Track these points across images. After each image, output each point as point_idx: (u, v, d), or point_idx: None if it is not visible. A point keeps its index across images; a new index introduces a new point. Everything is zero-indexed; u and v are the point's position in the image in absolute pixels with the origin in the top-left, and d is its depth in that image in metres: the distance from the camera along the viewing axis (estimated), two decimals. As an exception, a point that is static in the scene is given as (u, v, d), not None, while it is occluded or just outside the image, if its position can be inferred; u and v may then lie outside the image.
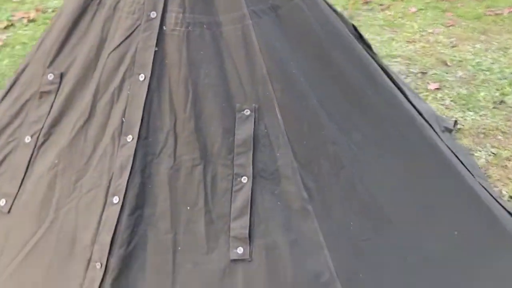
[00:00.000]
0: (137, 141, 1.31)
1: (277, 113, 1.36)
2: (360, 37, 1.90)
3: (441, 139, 1.68)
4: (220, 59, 1.36)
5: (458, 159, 1.67)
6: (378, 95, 1.50)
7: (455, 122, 2.53)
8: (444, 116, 2.58)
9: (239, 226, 1.29)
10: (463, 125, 2.58)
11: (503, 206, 1.69)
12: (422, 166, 1.50)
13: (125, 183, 1.28)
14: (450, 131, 2.39)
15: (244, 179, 1.32)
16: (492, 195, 1.68)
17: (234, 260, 1.27)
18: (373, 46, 3.65)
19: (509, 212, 1.70)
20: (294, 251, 1.30)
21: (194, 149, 1.32)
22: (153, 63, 1.33)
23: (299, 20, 1.43)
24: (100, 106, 1.35)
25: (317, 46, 1.44)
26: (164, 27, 1.34)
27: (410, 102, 1.69)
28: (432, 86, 2.99)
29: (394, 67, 3.23)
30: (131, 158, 1.30)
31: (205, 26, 1.35)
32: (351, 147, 1.43)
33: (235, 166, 1.32)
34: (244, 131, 1.34)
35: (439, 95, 2.90)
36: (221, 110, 1.34)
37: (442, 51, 3.54)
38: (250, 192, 1.31)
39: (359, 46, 1.51)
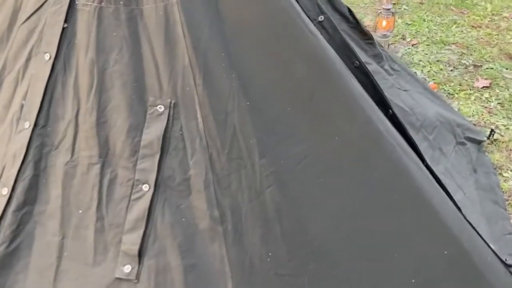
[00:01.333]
0: (34, 129, 1.16)
1: (197, 112, 1.14)
2: (356, 24, 1.59)
3: (425, 162, 1.36)
4: (136, 43, 1.15)
5: (444, 188, 1.34)
6: (334, 100, 1.21)
7: (492, 131, 2.12)
8: (473, 125, 2.16)
9: (131, 241, 1.12)
10: (502, 135, 2.16)
11: (497, 256, 1.35)
12: (379, 194, 1.22)
13: (15, 175, 1.15)
14: (478, 142, 2.00)
15: (146, 187, 1.13)
16: (482, 238, 1.34)
17: (119, 279, 1.11)
18: (426, 30, 3.22)
19: (504, 263, 1.37)
20: (189, 278, 1.11)
21: (93, 145, 1.14)
22: (60, 41, 1.16)
23: (240, 3, 1.17)
24: (6, 85, 1.22)
25: (259, 36, 1.18)
26: (76, 0, 1.16)
27: (392, 111, 1.38)
28: (481, 83, 2.55)
29: (443, 57, 2.80)
30: (25, 147, 1.15)
31: (121, 2, 1.14)
32: (287, 162, 1.18)
33: (137, 170, 1.13)
34: (153, 131, 1.14)
35: (486, 95, 2.46)
36: (130, 103, 1.15)
37: (511, 41, 3.01)
38: (149, 203, 1.12)
39: (318, 39, 1.22)
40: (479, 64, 2.74)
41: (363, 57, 1.58)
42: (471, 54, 2.84)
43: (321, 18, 1.40)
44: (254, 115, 1.17)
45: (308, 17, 1.39)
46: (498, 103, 2.40)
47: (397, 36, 3.06)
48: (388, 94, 1.56)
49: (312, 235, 1.17)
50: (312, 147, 1.20)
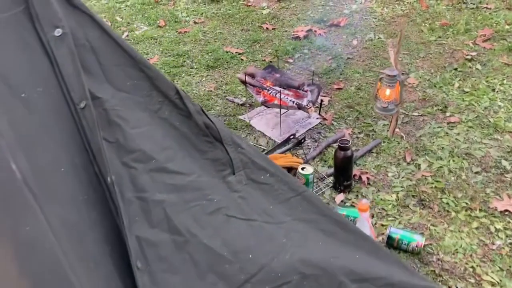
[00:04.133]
0: None
1: None
2: (188, 114, 1.11)
3: None
4: None
5: None
6: None
7: None
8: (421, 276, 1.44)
9: None
10: None
11: None
12: None
13: None
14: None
15: None
16: None
17: None
18: (486, 104, 2.42)
19: None
20: None
21: None
22: None
23: None
24: None
25: None
26: None
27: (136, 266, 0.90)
28: (506, 204, 1.76)
29: (479, 150, 2.04)
30: None
31: None
32: None
33: None
34: None
35: (499, 225, 1.69)
36: None
37: None
38: None
39: None
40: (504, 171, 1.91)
41: (185, 164, 1.10)
42: (523, 156, 2.01)
43: (83, 104, 0.98)
44: None
45: (71, 99, 0.99)
46: (510, 244, 1.62)
47: (437, 106, 2.32)
48: (196, 223, 1.06)
49: None
50: None
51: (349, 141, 1.77)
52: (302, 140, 2.06)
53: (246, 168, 1.18)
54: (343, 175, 1.81)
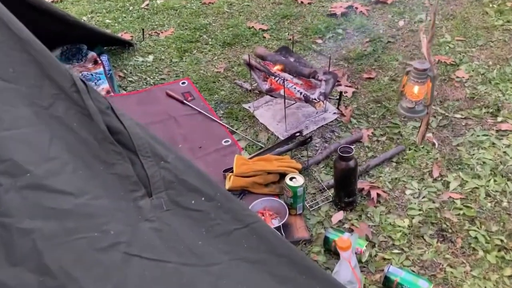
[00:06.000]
0: None
1: None
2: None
3: None
4: None
5: None
6: None
7: None
8: None
9: None
10: None
11: None
12: None
13: None
14: None
15: None
16: None
17: None
18: None
19: None
20: None
21: None
22: None
23: None
24: None
25: None
26: None
27: None
28: None
29: (530, 169, 1.60)
30: None
31: None
32: None
33: None
34: None
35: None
36: None
37: None
38: None
39: None
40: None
41: (76, 180, 0.82)
42: None
43: None
44: None
45: None
46: None
47: (487, 108, 1.88)
48: (78, 262, 0.79)
49: None
50: None
51: (352, 149, 1.42)
52: (308, 140, 1.72)
53: (170, 189, 0.90)
54: (344, 190, 1.46)
